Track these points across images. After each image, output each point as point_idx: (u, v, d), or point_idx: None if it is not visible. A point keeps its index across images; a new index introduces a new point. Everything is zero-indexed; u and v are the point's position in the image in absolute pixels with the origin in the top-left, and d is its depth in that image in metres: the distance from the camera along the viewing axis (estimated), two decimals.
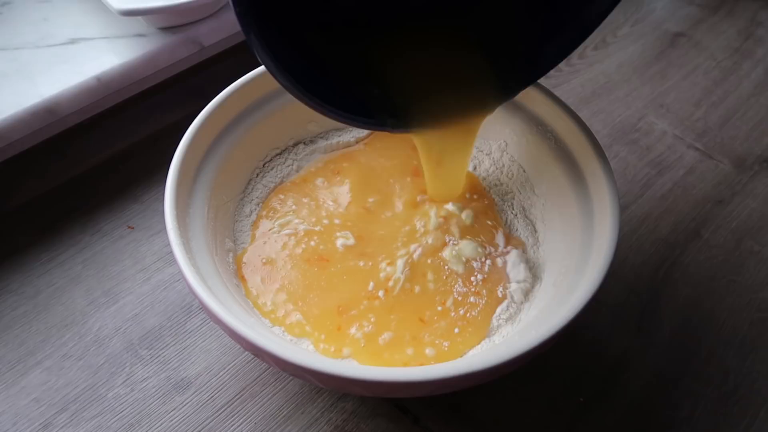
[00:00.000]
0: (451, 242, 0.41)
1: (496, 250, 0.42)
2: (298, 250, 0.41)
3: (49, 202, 0.50)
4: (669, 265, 0.48)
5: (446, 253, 0.41)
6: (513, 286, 0.40)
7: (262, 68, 0.43)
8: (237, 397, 0.40)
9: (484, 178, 0.46)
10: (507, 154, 0.47)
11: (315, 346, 0.38)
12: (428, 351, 0.37)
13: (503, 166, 0.47)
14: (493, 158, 0.47)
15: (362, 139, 0.49)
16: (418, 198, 0.44)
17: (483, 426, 0.40)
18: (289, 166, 0.46)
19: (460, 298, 0.39)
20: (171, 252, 0.34)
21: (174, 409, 0.40)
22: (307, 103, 0.35)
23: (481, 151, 0.47)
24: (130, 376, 0.41)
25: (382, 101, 0.38)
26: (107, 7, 0.48)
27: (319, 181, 0.46)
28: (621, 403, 0.41)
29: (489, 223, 0.43)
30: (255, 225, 0.43)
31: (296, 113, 0.46)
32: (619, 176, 0.54)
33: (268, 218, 0.43)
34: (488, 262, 0.41)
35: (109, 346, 0.42)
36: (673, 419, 0.40)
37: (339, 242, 0.42)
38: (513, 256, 0.41)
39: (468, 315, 0.39)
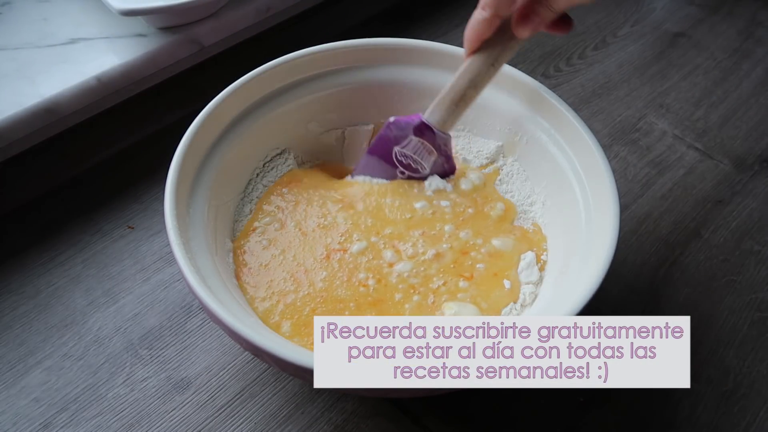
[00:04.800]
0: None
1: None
2: (282, 254, 0.41)
3: (49, 202, 0.50)
4: (669, 265, 0.48)
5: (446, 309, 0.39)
6: (525, 288, 0.40)
7: (262, 68, 0.43)
8: (237, 397, 0.40)
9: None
10: (507, 154, 0.47)
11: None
12: None
13: (503, 165, 0.47)
14: (493, 158, 0.47)
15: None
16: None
17: (483, 426, 0.40)
18: (289, 166, 0.46)
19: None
20: (171, 252, 0.34)
21: (174, 409, 0.40)
22: None
23: (481, 151, 0.47)
24: (130, 376, 0.41)
25: None
26: (107, 7, 0.48)
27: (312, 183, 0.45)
28: (621, 403, 0.41)
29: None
30: (248, 225, 0.43)
31: (296, 113, 0.46)
32: (619, 176, 0.54)
33: (258, 219, 0.43)
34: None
35: (109, 346, 0.42)
36: (673, 419, 0.40)
37: (319, 250, 0.41)
38: (528, 257, 0.41)
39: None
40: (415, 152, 0.43)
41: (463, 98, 0.41)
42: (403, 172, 0.44)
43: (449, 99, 0.41)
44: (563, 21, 0.38)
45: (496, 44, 0.39)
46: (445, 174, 0.45)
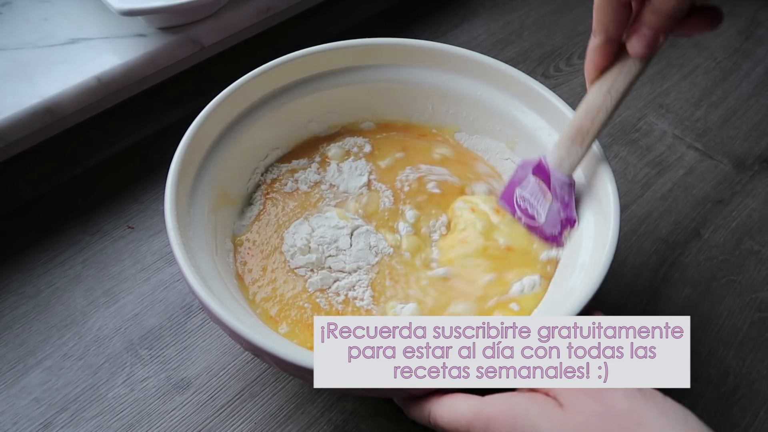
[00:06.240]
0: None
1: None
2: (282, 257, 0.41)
3: (49, 202, 0.50)
4: (669, 265, 0.48)
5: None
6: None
7: (261, 68, 0.43)
8: (237, 397, 0.40)
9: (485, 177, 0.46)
10: (508, 154, 0.47)
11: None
12: None
13: (504, 166, 0.47)
14: (494, 158, 0.47)
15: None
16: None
17: None
18: (288, 165, 0.46)
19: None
20: (171, 252, 0.34)
21: (174, 409, 0.40)
22: None
23: (483, 152, 0.47)
24: (130, 376, 0.41)
25: None
26: (107, 7, 0.48)
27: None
28: None
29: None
30: (252, 222, 0.43)
31: (296, 113, 0.46)
32: (619, 176, 0.54)
33: (260, 218, 0.43)
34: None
35: (109, 346, 0.42)
36: None
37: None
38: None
39: None
40: (532, 194, 0.40)
41: (579, 132, 0.37)
42: (520, 218, 0.41)
43: (566, 136, 0.38)
44: (704, 14, 0.32)
45: (613, 69, 0.35)
46: (562, 226, 0.40)
